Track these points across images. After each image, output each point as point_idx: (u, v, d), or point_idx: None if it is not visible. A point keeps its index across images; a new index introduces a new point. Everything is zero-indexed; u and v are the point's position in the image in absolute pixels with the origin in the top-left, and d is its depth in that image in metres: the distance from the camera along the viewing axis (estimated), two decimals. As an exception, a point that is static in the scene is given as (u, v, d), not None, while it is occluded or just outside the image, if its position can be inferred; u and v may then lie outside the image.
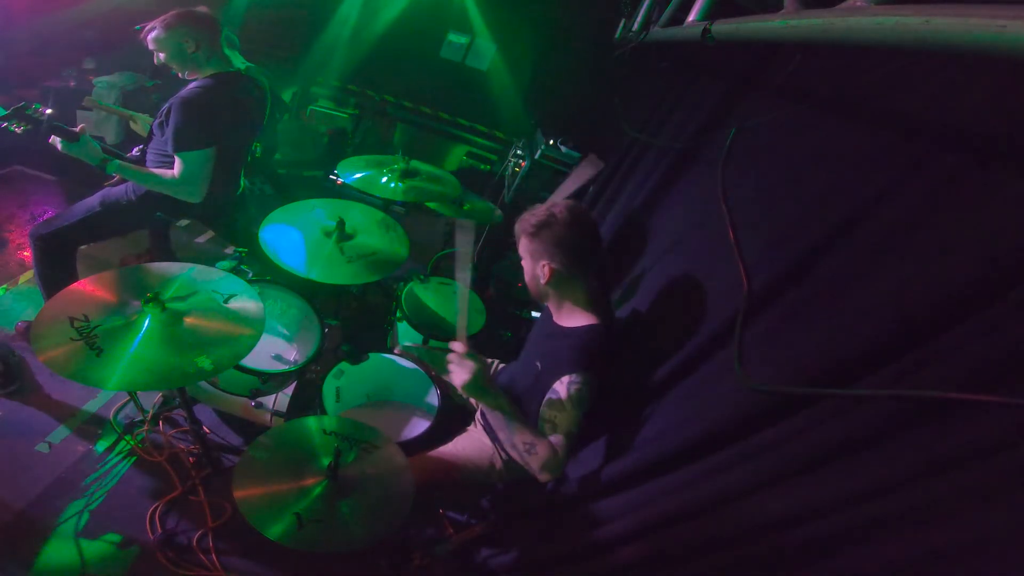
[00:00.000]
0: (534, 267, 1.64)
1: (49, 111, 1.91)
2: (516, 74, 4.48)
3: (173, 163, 2.02)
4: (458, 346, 1.46)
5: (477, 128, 4.83)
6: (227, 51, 2.14)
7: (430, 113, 4.80)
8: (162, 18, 2.00)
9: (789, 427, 1.07)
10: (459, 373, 1.44)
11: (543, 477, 1.45)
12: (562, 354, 1.56)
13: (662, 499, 1.32)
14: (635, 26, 2.89)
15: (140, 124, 2.55)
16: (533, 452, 1.45)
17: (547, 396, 1.52)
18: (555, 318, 1.73)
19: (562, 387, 1.49)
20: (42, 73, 3.67)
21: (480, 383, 1.44)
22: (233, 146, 2.17)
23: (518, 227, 1.68)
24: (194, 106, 1.95)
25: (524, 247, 1.67)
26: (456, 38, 4.42)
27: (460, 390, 1.45)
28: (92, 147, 1.98)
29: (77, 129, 1.94)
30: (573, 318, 1.65)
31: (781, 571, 0.99)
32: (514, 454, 1.51)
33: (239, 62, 2.18)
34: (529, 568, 1.72)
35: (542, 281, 1.62)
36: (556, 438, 1.46)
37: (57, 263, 2.22)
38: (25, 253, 2.83)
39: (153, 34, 2.01)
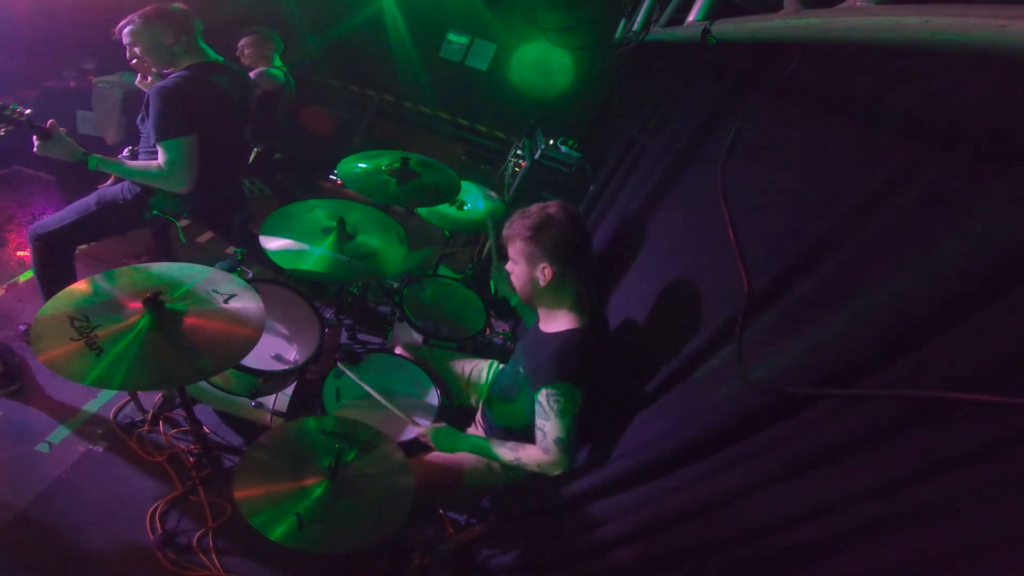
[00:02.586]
0: (531, 271, 1.60)
1: (28, 111, 1.89)
2: (516, 74, 4.48)
3: (157, 155, 2.01)
4: (417, 430, 1.74)
5: (477, 128, 4.83)
6: (202, 44, 2.11)
7: (430, 113, 4.80)
8: (140, 11, 1.98)
9: (789, 427, 1.07)
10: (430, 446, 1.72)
11: (548, 475, 1.56)
12: (540, 364, 1.58)
13: (662, 499, 1.32)
14: (635, 26, 2.90)
15: None
16: (522, 463, 1.58)
17: (535, 405, 1.57)
18: (540, 323, 1.73)
19: (543, 399, 1.53)
20: (42, 73, 3.67)
21: (446, 446, 1.70)
22: (217, 136, 2.15)
23: (510, 231, 1.63)
24: (171, 94, 1.93)
25: (519, 250, 1.62)
26: (456, 38, 4.42)
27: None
28: (68, 143, 1.97)
29: (47, 125, 1.92)
30: (557, 322, 1.66)
31: (781, 571, 0.99)
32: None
33: (215, 55, 2.17)
34: (529, 568, 1.72)
35: (542, 284, 1.59)
36: (546, 444, 1.53)
37: (55, 263, 2.21)
38: (25, 253, 2.83)
39: (130, 27, 1.98)
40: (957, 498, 0.76)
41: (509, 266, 1.70)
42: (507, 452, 1.60)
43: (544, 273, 1.59)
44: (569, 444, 1.52)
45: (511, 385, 1.78)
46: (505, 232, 1.65)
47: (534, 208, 1.61)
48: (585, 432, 1.72)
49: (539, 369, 1.58)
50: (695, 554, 1.17)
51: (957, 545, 0.74)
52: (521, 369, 1.70)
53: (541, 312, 1.73)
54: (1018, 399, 0.71)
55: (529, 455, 1.56)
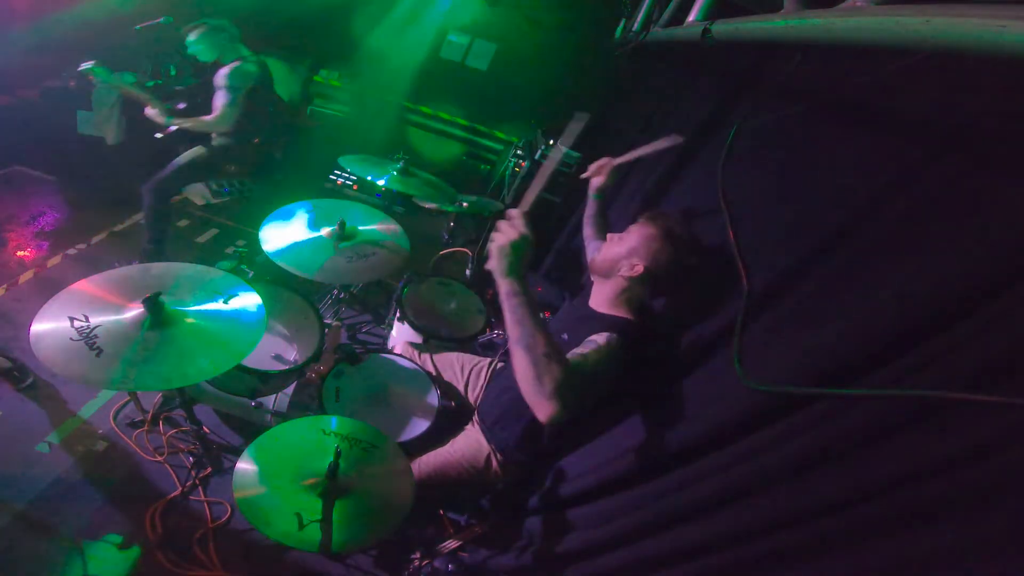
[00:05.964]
0: (630, 256, 1.57)
1: None
2: (516, 74, 4.48)
3: None
4: (516, 212, 1.28)
5: (477, 128, 4.82)
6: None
7: (430, 113, 4.80)
8: None
9: (789, 427, 1.07)
10: (506, 233, 1.23)
11: (550, 408, 1.16)
12: (597, 327, 1.51)
13: (662, 499, 1.33)
14: (635, 26, 2.90)
15: (158, 109, 2.74)
16: (550, 365, 1.17)
17: (586, 343, 1.44)
18: (591, 301, 1.68)
19: (601, 338, 1.44)
20: (42, 73, 3.67)
21: (519, 255, 1.23)
22: None
23: (653, 217, 1.60)
24: None
25: (640, 231, 1.58)
26: (456, 38, 4.42)
27: (494, 257, 1.24)
28: None
29: None
30: (614, 309, 1.62)
31: (781, 571, 0.99)
32: (524, 362, 1.18)
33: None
34: (529, 568, 1.72)
35: (623, 272, 1.57)
36: (578, 368, 1.32)
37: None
38: (24, 253, 2.83)
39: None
40: (957, 498, 0.76)
41: (618, 234, 1.66)
42: (547, 342, 1.19)
43: (634, 269, 1.56)
44: (590, 387, 1.34)
45: None
46: (651, 214, 1.62)
47: (685, 226, 1.59)
48: (587, 431, 1.72)
49: (596, 329, 1.49)
50: (695, 554, 1.17)
51: (957, 545, 0.74)
52: (566, 336, 1.60)
53: (599, 288, 1.67)
54: (1018, 399, 0.71)
55: (561, 365, 1.18)
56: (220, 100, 2.78)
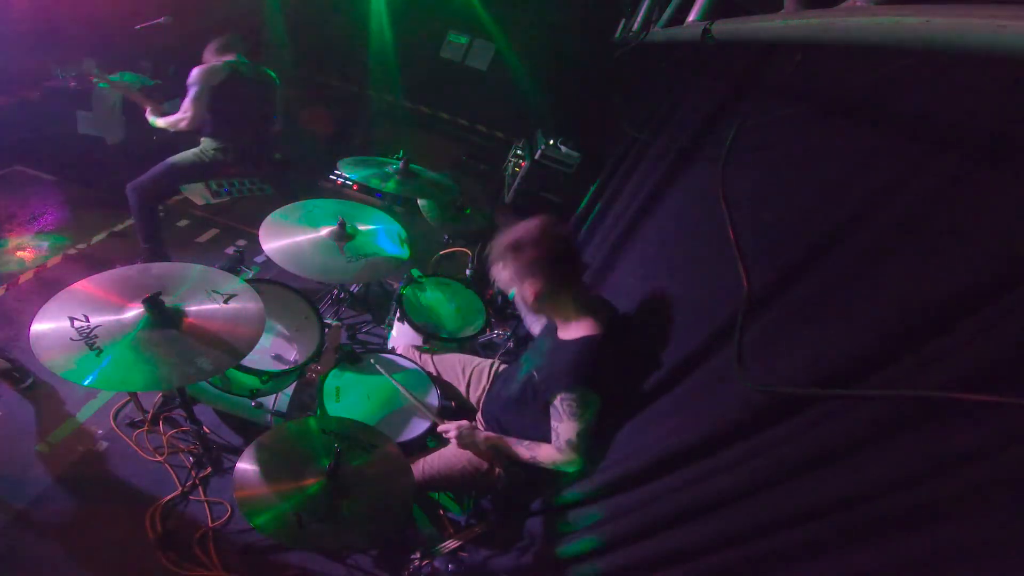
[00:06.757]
0: (520, 289, 1.65)
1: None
2: (516, 75, 4.48)
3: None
4: (444, 428, 1.77)
5: (477, 128, 4.83)
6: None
7: (430, 113, 4.80)
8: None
9: (789, 427, 1.07)
10: (454, 441, 1.75)
11: (568, 467, 1.62)
12: (556, 370, 1.61)
13: (662, 500, 1.32)
14: (635, 26, 2.90)
15: (150, 108, 2.79)
16: (537, 461, 1.66)
17: (550, 409, 1.62)
18: (558, 330, 1.73)
19: (558, 403, 1.58)
20: (42, 73, 3.67)
21: (467, 444, 1.74)
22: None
23: (491, 255, 1.68)
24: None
25: (503, 272, 1.66)
26: (456, 38, 4.42)
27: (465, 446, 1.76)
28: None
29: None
30: (570, 330, 1.67)
31: (781, 571, 0.99)
32: (533, 463, 1.68)
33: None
34: (529, 568, 1.72)
35: (530, 299, 1.64)
36: (559, 444, 1.60)
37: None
38: (24, 253, 2.83)
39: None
40: (957, 498, 0.76)
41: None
42: (523, 451, 1.68)
43: (527, 292, 1.62)
44: (580, 444, 1.58)
45: (521, 384, 1.77)
46: (490, 256, 1.69)
47: (511, 230, 1.65)
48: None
49: (555, 374, 1.61)
50: (695, 554, 1.17)
51: (957, 545, 0.74)
52: (536, 374, 1.70)
53: (557, 321, 1.74)
54: (1018, 399, 0.71)
55: (544, 453, 1.64)
56: (184, 99, 2.80)
